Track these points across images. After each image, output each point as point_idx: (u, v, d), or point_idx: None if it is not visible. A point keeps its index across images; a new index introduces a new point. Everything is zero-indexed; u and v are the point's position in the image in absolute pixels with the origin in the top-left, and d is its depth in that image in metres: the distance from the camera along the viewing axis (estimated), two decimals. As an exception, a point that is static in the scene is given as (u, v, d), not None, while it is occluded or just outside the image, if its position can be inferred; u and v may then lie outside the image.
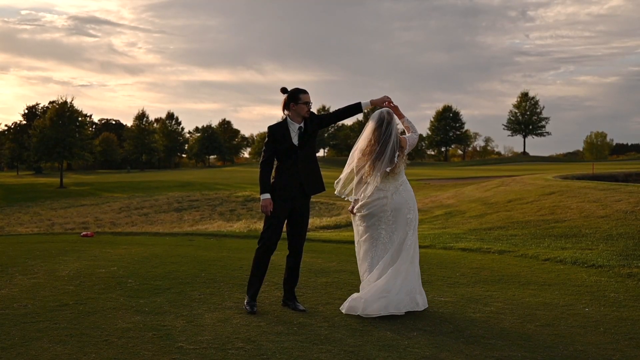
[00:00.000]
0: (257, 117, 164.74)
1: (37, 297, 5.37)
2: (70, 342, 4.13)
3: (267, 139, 5.14)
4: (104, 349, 3.99)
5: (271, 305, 5.23)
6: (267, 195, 5.02)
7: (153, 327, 4.51)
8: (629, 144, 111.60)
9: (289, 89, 5.15)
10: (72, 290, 5.70)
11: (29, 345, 4.04)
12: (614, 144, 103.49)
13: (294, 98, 5.09)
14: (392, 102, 5.35)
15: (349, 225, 19.72)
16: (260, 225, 19.99)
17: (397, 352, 4.05)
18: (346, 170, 5.41)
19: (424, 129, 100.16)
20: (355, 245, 5.38)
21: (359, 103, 5.26)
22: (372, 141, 5.20)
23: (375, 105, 5.34)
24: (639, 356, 4.05)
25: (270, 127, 5.14)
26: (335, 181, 5.46)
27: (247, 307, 5.01)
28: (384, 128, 5.18)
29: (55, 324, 4.55)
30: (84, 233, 11.92)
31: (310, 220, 20.78)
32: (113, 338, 4.22)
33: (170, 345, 4.10)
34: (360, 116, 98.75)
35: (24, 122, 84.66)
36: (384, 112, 5.25)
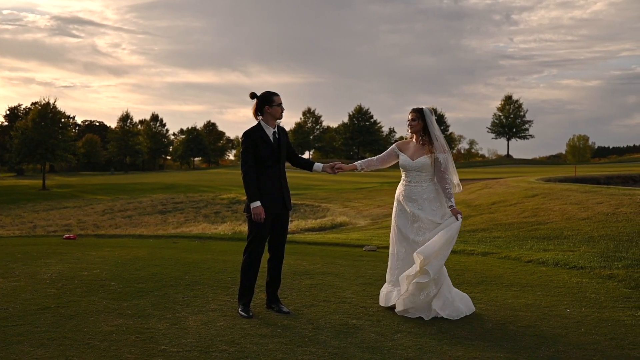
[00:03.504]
0: (243, 119, 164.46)
1: (18, 300, 5.31)
2: (52, 345, 4.09)
3: (245, 144, 5.05)
4: (86, 353, 3.96)
5: (255, 307, 5.22)
6: (258, 203, 4.97)
7: (136, 330, 4.48)
8: (611, 147, 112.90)
9: (257, 94, 5.13)
10: (54, 293, 5.64)
11: (10, 349, 3.99)
12: (596, 147, 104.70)
13: (268, 101, 5.08)
14: (337, 166, 5.46)
15: (333, 227, 19.75)
16: (245, 228, 19.94)
17: (381, 354, 4.06)
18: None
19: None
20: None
21: (313, 163, 5.45)
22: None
23: (325, 170, 5.48)
24: (619, 356, 4.10)
25: (247, 133, 5.09)
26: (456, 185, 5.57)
27: (243, 314, 4.98)
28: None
29: (37, 327, 4.50)
30: (66, 235, 11.80)
31: (295, 222, 20.88)
32: (95, 341, 4.19)
33: (154, 348, 4.08)
34: (345, 118, 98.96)
35: (6, 123, 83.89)
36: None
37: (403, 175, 5.51)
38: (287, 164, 5.32)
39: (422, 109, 5.44)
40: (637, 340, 4.43)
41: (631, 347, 4.28)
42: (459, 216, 5.25)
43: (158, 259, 7.84)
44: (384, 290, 5.50)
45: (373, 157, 5.68)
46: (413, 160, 5.39)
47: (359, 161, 5.68)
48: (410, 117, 5.47)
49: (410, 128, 5.47)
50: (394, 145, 5.65)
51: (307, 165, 5.44)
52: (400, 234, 5.39)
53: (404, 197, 5.44)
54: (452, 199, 5.33)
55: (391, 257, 5.50)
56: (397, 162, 5.54)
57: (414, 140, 5.50)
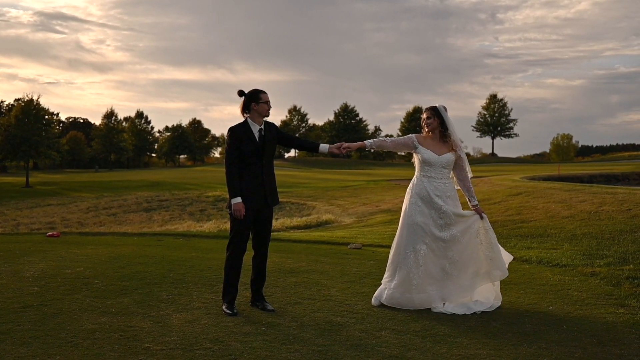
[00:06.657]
0: (228, 116, 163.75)
1: (0, 299, 5.26)
2: (34, 344, 4.06)
3: (229, 140, 5.08)
4: (69, 351, 3.94)
5: (240, 305, 5.22)
6: (239, 199, 4.99)
7: (119, 328, 4.46)
8: (594, 145, 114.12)
9: (245, 92, 5.15)
10: (37, 291, 5.59)
11: (-9, 348, 3.95)
12: (580, 146, 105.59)
13: (255, 98, 5.10)
14: (344, 146, 5.42)
15: (319, 225, 19.75)
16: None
17: (365, 352, 4.08)
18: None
19: (394, 129, 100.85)
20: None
21: (319, 144, 5.41)
22: None
23: (332, 151, 5.44)
24: (600, 353, 4.15)
25: (232, 128, 5.11)
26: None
27: (227, 312, 4.98)
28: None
29: (19, 325, 4.46)
30: (49, 233, 11.71)
31: (281, 220, 20.85)
32: (78, 339, 4.17)
33: (137, 346, 4.06)
34: (331, 116, 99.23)
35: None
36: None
37: (424, 171, 5.41)
38: (277, 158, 5.32)
39: (435, 106, 5.48)
40: (618, 337, 4.49)
41: (612, 344, 4.34)
42: (484, 215, 5.40)
43: (142, 257, 7.80)
44: (396, 292, 5.29)
45: (386, 138, 5.62)
46: (439, 156, 5.38)
47: (370, 140, 5.56)
48: (425, 116, 5.50)
49: (427, 127, 5.47)
50: (412, 135, 5.55)
51: (312, 147, 5.45)
52: (421, 232, 5.28)
53: (430, 192, 5.32)
54: (476, 198, 5.47)
55: (408, 256, 5.28)
56: (403, 154, 5.54)
57: (430, 136, 5.49)
